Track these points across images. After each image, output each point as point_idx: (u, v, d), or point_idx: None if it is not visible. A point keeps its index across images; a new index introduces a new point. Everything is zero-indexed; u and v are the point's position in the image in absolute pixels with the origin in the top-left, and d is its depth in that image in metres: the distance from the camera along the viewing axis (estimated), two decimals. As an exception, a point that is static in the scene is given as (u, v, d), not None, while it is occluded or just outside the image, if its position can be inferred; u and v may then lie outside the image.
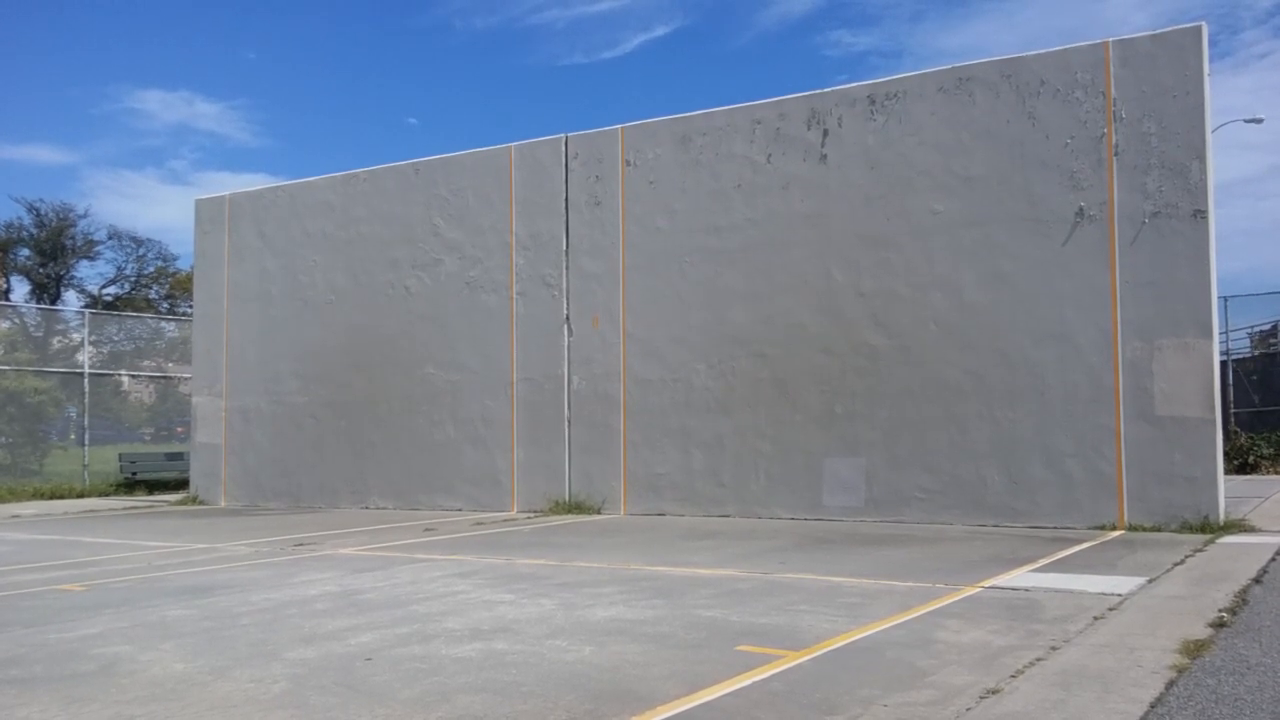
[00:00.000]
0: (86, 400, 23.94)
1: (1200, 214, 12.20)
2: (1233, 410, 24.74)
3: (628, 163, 16.02)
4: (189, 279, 30.96)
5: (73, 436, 26.55)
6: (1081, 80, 12.88)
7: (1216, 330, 12.28)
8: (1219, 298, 12.55)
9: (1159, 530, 11.99)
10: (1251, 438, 23.27)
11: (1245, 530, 11.75)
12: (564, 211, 16.54)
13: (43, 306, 46.36)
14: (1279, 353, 28.00)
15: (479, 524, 14.83)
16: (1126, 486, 12.38)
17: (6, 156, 77.32)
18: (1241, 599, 7.44)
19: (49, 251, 52.24)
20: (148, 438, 31.74)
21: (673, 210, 15.61)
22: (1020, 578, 8.72)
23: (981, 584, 8.39)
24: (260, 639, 6.68)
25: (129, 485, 23.51)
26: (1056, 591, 7.97)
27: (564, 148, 16.61)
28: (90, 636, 6.88)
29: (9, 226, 51.68)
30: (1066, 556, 10.04)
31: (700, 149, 15.44)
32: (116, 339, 32.73)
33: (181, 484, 22.53)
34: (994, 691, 5.07)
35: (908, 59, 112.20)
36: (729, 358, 15.08)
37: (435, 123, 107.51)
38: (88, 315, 28.96)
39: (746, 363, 14.94)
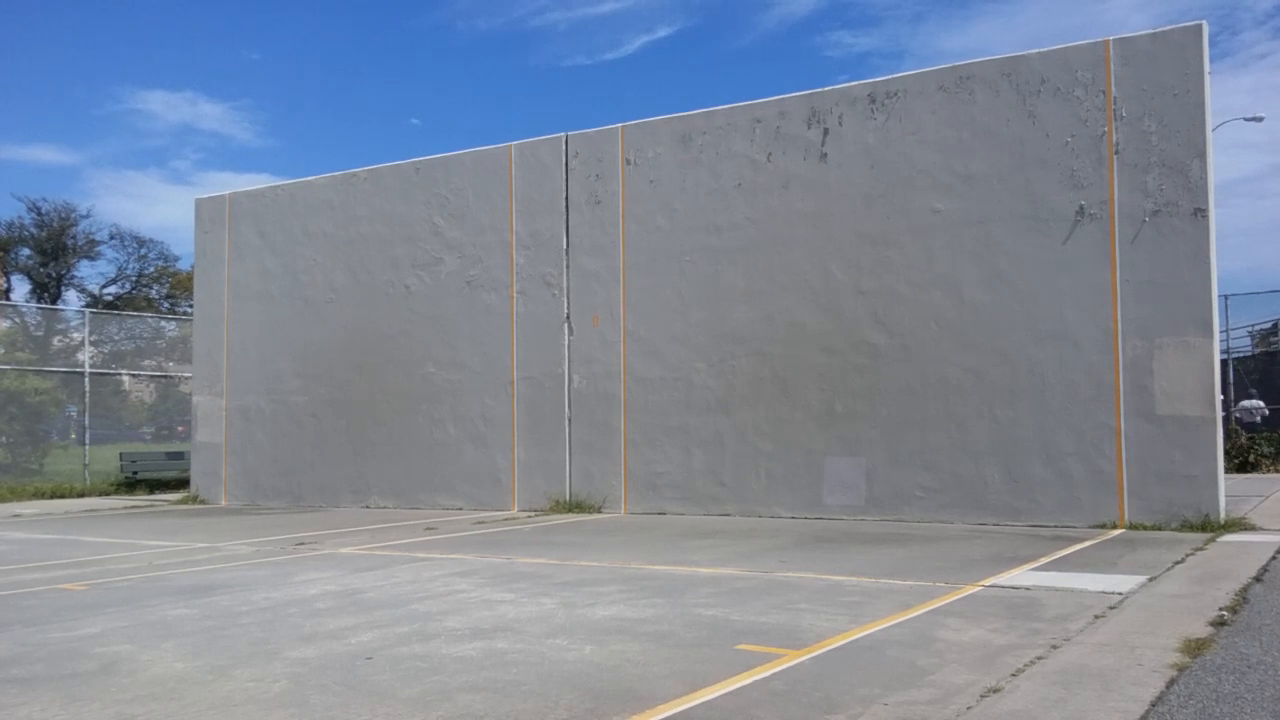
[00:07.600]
0: (87, 400, 23.95)
1: (1200, 212, 12.20)
2: (1233, 409, 24.72)
3: (628, 162, 16.01)
4: (190, 278, 30.96)
5: (73, 436, 26.57)
6: (1082, 79, 12.87)
7: (1217, 329, 12.27)
8: (1219, 296, 12.56)
9: (1159, 529, 11.99)
10: (1252, 437, 23.26)
11: (1245, 529, 11.75)
12: (564, 210, 16.54)
13: (43, 306, 46.38)
14: (1279, 351, 27.99)
15: (479, 523, 14.84)
16: (1127, 485, 12.38)
17: (10, 157, 77.44)
18: (1242, 597, 7.44)
19: (50, 251, 52.28)
20: (148, 437, 31.75)
21: (673, 209, 15.61)
22: (1020, 576, 8.72)
23: (982, 583, 8.39)
24: (261, 638, 6.69)
25: (130, 484, 23.52)
26: (1057, 590, 7.97)
27: (564, 147, 16.61)
28: (91, 636, 6.88)
29: (10, 226, 51.76)
30: (1067, 555, 10.04)
31: (700, 148, 15.44)
32: (117, 338, 32.73)
33: (182, 483, 22.54)
34: (994, 690, 5.08)
35: (909, 60, 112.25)
36: (729, 356, 15.07)
37: (438, 123, 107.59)
38: (88, 315, 28.92)
39: (747, 361, 14.94)
